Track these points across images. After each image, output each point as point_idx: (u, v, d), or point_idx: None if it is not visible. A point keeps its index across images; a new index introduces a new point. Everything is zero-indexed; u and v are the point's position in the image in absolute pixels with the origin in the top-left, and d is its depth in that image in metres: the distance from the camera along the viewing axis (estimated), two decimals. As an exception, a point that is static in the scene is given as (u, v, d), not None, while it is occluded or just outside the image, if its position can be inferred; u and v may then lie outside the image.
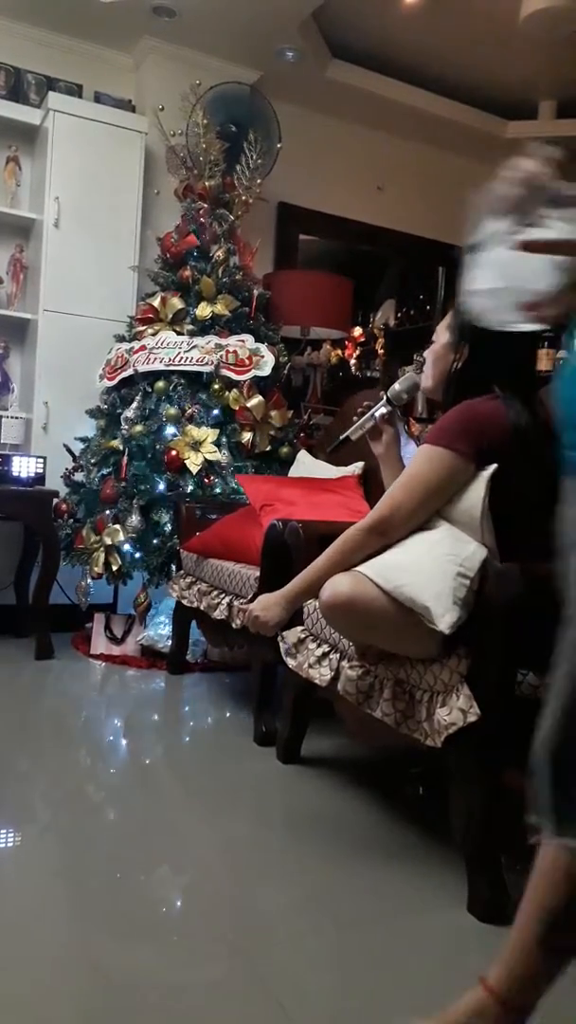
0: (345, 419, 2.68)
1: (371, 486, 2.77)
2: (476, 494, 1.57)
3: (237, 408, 3.18)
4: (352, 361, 5.92)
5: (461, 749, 1.48)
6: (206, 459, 3.09)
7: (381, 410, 2.05)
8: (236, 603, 2.42)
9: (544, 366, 4.57)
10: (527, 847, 0.98)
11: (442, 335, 1.81)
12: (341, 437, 2.07)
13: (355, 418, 2.07)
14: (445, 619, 1.46)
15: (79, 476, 3.34)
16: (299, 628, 2.00)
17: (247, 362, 3.22)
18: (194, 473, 3.07)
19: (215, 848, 1.75)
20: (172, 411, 3.14)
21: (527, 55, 3.89)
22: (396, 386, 2.03)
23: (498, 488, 1.56)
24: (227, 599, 2.48)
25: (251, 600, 2.16)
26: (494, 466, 1.57)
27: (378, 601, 1.53)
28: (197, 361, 3.19)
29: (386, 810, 1.94)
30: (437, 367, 1.81)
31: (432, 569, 1.51)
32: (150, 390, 3.21)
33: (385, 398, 2.04)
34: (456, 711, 1.46)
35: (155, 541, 3.07)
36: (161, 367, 3.21)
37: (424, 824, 1.88)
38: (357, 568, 1.60)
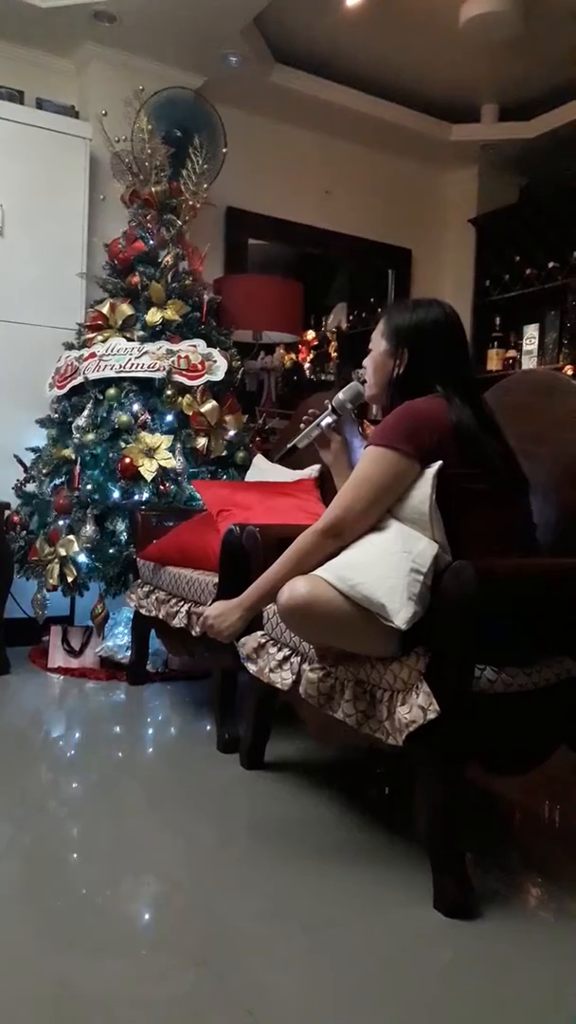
0: (297, 423, 2.69)
1: (327, 489, 2.77)
2: (423, 492, 1.59)
3: (191, 414, 3.16)
4: (306, 364, 5.93)
5: (422, 746, 1.48)
6: (161, 466, 3.06)
7: (327, 419, 2.06)
8: (195, 610, 2.40)
9: (494, 366, 4.66)
10: (490, 842, 0.98)
11: (379, 343, 1.82)
12: (288, 446, 2.08)
13: (302, 425, 2.08)
14: (401, 615, 1.46)
15: (31, 487, 3.28)
16: (259, 633, 1.99)
17: (199, 367, 3.20)
18: (149, 480, 3.04)
19: (181, 858, 1.73)
20: (124, 418, 3.11)
21: (468, 59, 3.95)
22: (340, 395, 2.05)
23: (444, 485, 1.58)
24: (186, 607, 2.46)
25: (210, 605, 2.14)
26: (439, 463, 1.59)
27: (336, 602, 1.53)
28: (148, 367, 3.16)
29: (351, 811, 1.94)
30: (378, 375, 1.83)
31: (386, 567, 1.51)
32: (101, 397, 3.17)
33: (330, 407, 2.06)
34: (416, 709, 1.47)
35: (111, 551, 3.03)
36: (112, 374, 3.17)
37: (389, 823, 1.88)
38: (314, 572, 1.60)
